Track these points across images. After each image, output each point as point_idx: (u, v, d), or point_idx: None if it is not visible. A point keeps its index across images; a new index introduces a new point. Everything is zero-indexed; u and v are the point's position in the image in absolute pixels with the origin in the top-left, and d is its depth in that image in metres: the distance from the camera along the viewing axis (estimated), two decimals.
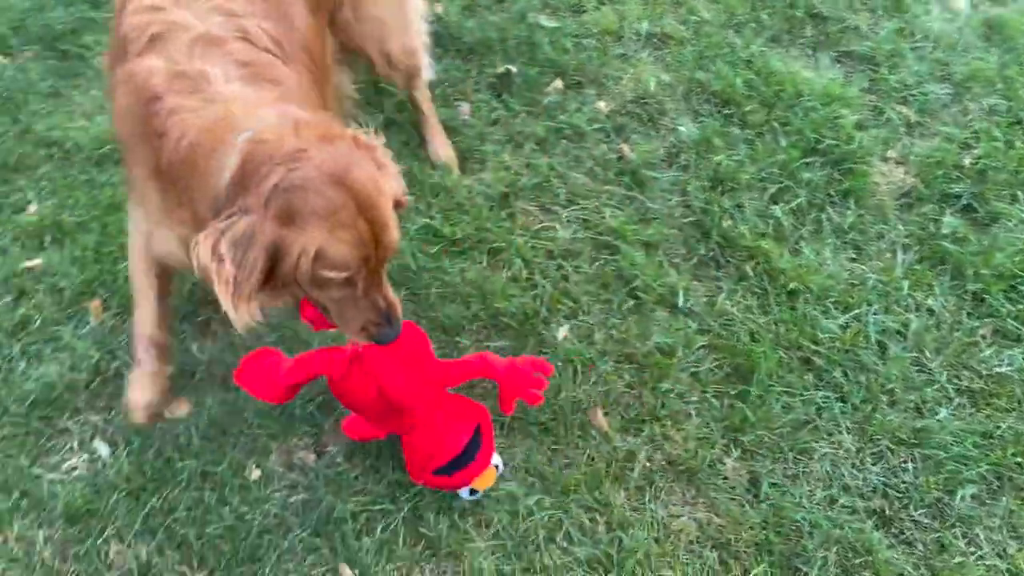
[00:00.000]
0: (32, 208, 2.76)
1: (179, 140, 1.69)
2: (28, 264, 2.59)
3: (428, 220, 2.67)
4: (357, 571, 2.01)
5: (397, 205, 1.74)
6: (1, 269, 2.57)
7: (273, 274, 1.61)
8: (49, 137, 2.96)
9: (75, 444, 2.24)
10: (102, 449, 2.22)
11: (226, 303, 1.57)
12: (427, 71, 2.82)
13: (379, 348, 1.88)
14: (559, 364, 2.36)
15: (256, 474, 2.17)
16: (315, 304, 1.79)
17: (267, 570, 2.01)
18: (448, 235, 2.63)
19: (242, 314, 1.59)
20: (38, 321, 2.46)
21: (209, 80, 1.72)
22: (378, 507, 2.10)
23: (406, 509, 2.10)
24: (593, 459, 2.21)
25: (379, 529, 2.07)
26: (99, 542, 2.06)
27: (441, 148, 2.88)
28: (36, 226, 2.68)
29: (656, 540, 2.07)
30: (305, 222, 1.56)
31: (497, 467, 2.12)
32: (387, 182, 1.68)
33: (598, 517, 2.11)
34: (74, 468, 2.20)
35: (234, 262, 1.56)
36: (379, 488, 2.13)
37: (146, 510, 2.10)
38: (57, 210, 2.72)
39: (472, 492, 2.08)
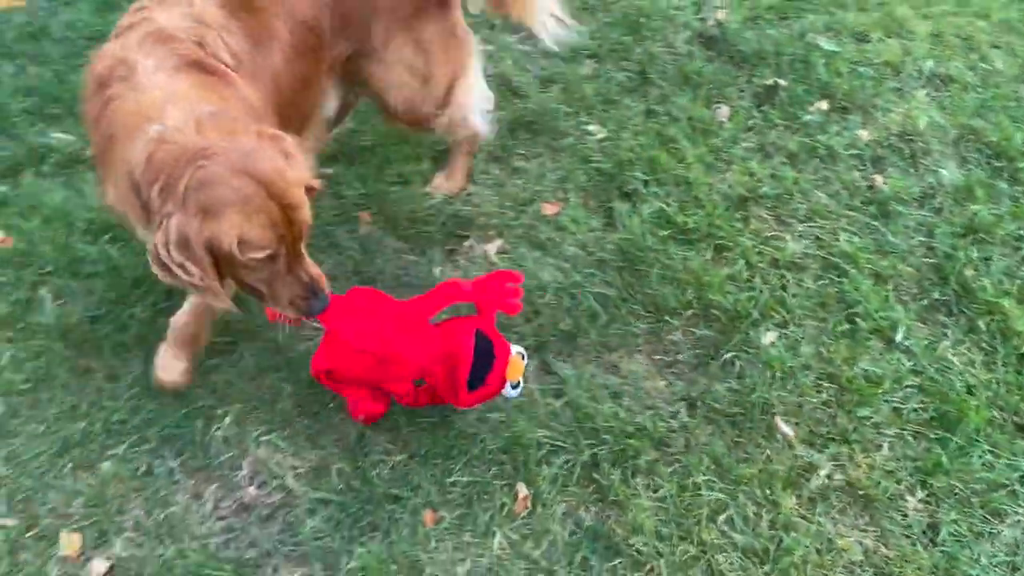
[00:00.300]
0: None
1: (108, 126, 1.87)
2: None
3: (664, 206, 2.81)
4: (532, 492, 2.22)
5: (309, 190, 1.86)
6: None
7: (219, 264, 1.78)
8: None
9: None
10: None
11: (208, 300, 1.85)
12: (483, 129, 2.74)
13: (342, 317, 2.05)
14: (759, 367, 2.43)
15: None
16: (250, 287, 1.92)
17: (456, 468, 2.26)
18: (680, 224, 2.77)
19: (221, 303, 1.85)
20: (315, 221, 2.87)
21: (137, 70, 1.85)
22: (560, 443, 2.29)
23: (585, 454, 2.27)
24: (771, 460, 2.26)
25: (558, 463, 2.26)
26: (329, 407, 2.41)
27: (446, 184, 2.88)
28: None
29: (817, 551, 2.10)
30: (221, 214, 1.71)
31: (521, 355, 2.23)
32: (294, 169, 1.80)
33: (764, 513, 2.17)
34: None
35: (192, 263, 1.73)
36: (564, 428, 2.32)
37: None
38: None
39: (514, 387, 2.20)
